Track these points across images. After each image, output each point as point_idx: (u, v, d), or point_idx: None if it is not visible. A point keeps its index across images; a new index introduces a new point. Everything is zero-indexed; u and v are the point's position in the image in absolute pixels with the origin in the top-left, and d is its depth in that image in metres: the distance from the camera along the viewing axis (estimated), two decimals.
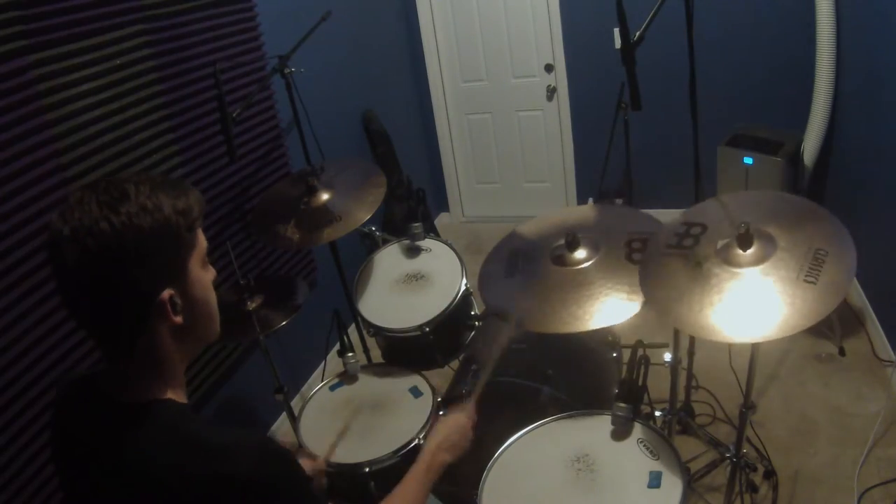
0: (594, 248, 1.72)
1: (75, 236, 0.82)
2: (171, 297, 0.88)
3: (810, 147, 3.21)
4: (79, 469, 0.94)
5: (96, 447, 0.91)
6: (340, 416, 1.93)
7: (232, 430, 0.90)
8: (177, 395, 0.94)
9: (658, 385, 2.39)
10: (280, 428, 2.77)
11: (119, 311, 0.87)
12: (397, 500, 1.22)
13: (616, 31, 3.33)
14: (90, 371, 1.00)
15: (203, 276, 0.95)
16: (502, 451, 1.55)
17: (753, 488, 2.08)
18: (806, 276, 1.31)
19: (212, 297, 0.97)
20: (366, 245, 2.51)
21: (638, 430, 1.51)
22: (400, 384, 2.03)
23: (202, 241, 0.95)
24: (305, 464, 1.47)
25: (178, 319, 0.90)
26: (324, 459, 1.58)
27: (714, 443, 2.25)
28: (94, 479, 0.91)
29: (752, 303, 1.32)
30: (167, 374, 0.93)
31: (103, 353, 0.93)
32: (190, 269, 0.92)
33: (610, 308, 1.56)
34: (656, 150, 3.85)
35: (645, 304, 1.51)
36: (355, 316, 2.25)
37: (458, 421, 1.39)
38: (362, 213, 2.09)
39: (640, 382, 1.59)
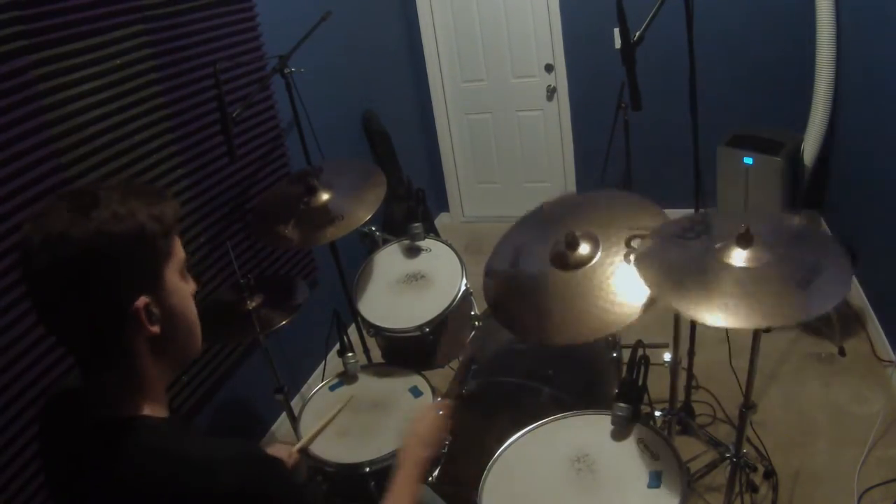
0: (594, 247, 1.71)
1: (46, 242, 0.81)
2: (146, 306, 0.86)
3: (810, 147, 3.22)
4: (63, 485, 0.93)
5: (76, 464, 0.89)
6: (339, 415, 1.93)
7: (213, 441, 0.88)
8: (156, 411, 0.92)
9: (658, 385, 2.39)
10: (280, 428, 2.77)
11: (93, 319, 0.84)
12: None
13: (616, 31, 3.32)
14: (75, 384, 0.97)
15: (181, 287, 0.93)
16: (502, 451, 1.55)
17: (753, 488, 2.08)
18: (798, 282, 1.32)
19: (191, 309, 0.95)
20: (366, 245, 2.50)
21: (638, 430, 1.51)
22: (400, 384, 2.03)
23: (179, 250, 0.93)
24: (280, 450, 1.45)
25: (155, 329, 0.88)
26: (296, 448, 1.57)
27: (714, 443, 2.24)
28: (77, 496, 0.90)
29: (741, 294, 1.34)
30: (145, 388, 0.91)
31: (79, 365, 0.91)
32: (166, 277, 0.90)
33: (613, 310, 1.56)
34: (656, 151, 3.85)
35: (643, 294, 1.51)
36: (355, 316, 2.25)
37: (428, 416, 1.41)
38: (362, 213, 2.09)
39: (640, 382, 1.59)
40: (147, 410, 0.90)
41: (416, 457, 1.31)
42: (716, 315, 1.31)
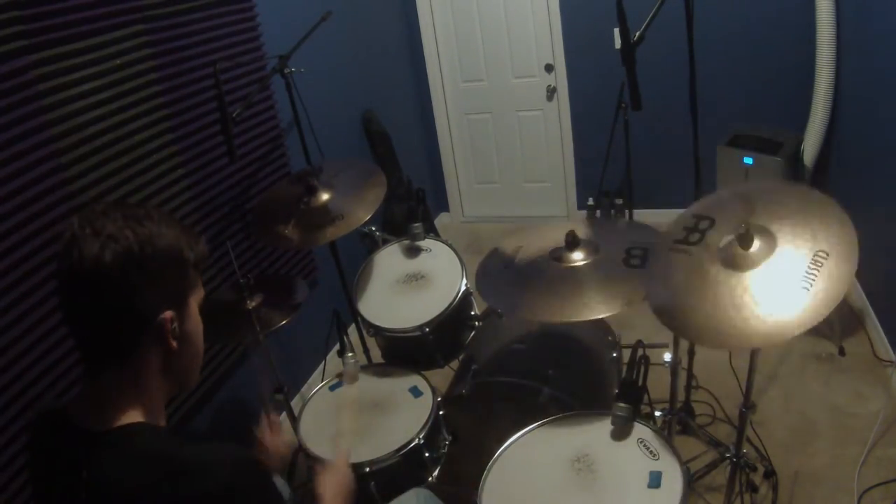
0: (593, 250, 1.73)
1: (97, 238, 0.85)
2: (171, 320, 0.91)
3: (810, 147, 3.21)
4: (58, 497, 0.93)
5: (68, 479, 0.89)
6: (340, 416, 1.94)
7: (206, 445, 0.90)
8: (153, 420, 0.94)
9: (658, 385, 2.39)
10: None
11: (121, 318, 0.88)
12: None
13: (616, 31, 3.32)
14: (60, 402, 0.99)
15: (198, 318, 0.99)
16: (502, 451, 1.55)
17: (753, 488, 2.08)
18: (802, 281, 1.30)
19: (201, 340, 1.01)
20: (366, 245, 2.51)
21: (638, 430, 1.51)
22: (400, 384, 2.03)
23: (202, 288, 1.00)
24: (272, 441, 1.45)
25: (174, 344, 0.92)
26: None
27: (714, 443, 2.24)
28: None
29: (749, 305, 1.32)
30: (145, 400, 0.93)
31: (87, 369, 0.93)
32: (190, 303, 0.96)
33: (605, 300, 1.57)
34: (656, 150, 3.85)
35: (646, 303, 1.51)
36: (355, 316, 2.25)
37: (335, 473, 1.41)
38: (363, 213, 2.09)
39: (640, 382, 1.59)
40: (144, 419, 0.92)
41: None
42: (724, 339, 1.30)
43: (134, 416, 0.91)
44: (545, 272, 1.73)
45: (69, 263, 0.86)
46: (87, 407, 0.92)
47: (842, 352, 2.73)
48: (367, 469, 1.75)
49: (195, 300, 0.98)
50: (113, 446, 0.87)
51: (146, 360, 0.91)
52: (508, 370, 2.00)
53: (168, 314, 0.90)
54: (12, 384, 1.69)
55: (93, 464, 0.87)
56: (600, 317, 1.56)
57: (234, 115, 2.06)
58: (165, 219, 0.93)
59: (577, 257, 1.72)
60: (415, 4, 4.17)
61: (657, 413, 2.22)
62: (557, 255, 1.75)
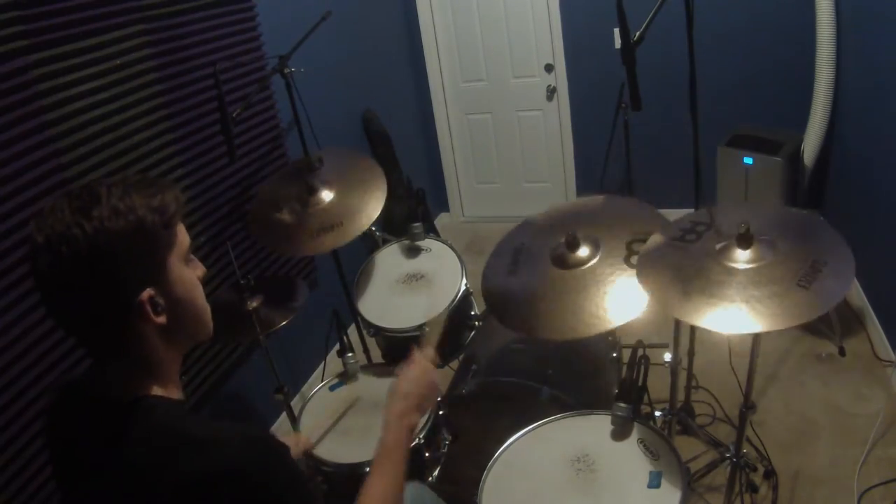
0: (594, 249, 1.72)
1: (49, 243, 0.82)
2: (150, 298, 0.87)
3: (810, 147, 3.21)
4: (72, 472, 0.94)
5: (86, 450, 0.90)
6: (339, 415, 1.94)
7: (218, 423, 0.89)
8: (168, 392, 0.94)
9: (658, 385, 2.39)
10: (280, 428, 2.77)
11: (98, 315, 0.86)
12: (375, 489, 1.12)
13: (616, 31, 3.32)
14: (80, 376, 1.00)
15: (186, 274, 0.93)
16: (502, 451, 1.55)
17: (753, 488, 2.08)
18: (800, 280, 1.31)
19: (197, 295, 0.96)
20: (366, 245, 2.50)
21: (638, 430, 1.51)
22: None
23: (183, 237, 0.93)
24: (289, 441, 1.45)
25: (161, 320, 0.89)
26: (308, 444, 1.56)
27: (714, 443, 2.24)
28: (87, 482, 0.91)
29: (744, 299, 1.33)
30: (156, 372, 0.92)
31: (89, 354, 0.93)
32: (170, 267, 0.90)
33: (613, 308, 1.56)
34: (656, 151, 3.85)
35: (643, 296, 1.51)
36: (355, 316, 2.25)
37: (416, 372, 1.28)
38: (363, 221, 2.08)
39: (640, 382, 1.59)
40: (157, 391, 0.92)
41: (404, 425, 1.21)
42: (719, 321, 1.31)
43: (148, 389, 0.91)
44: (548, 281, 1.70)
45: (34, 275, 0.85)
46: (101, 383, 0.92)
47: (842, 352, 2.73)
48: (367, 469, 1.74)
49: (177, 258, 0.92)
50: (129, 419, 0.87)
51: (144, 339, 0.89)
52: (508, 370, 2.00)
53: (145, 295, 0.86)
54: (10, 386, 1.69)
55: (111, 437, 0.87)
56: (614, 327, 1.52)
57: (234, 115, 2.06)
58: (118, 191, 0.86)
59: (580, 258, 1.70)
60: (415, 4, 4.17)
61: (657, 413, 2.22)
62: (559, 259, 1.73)
